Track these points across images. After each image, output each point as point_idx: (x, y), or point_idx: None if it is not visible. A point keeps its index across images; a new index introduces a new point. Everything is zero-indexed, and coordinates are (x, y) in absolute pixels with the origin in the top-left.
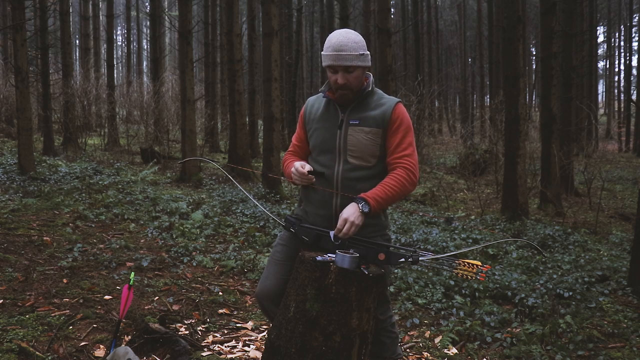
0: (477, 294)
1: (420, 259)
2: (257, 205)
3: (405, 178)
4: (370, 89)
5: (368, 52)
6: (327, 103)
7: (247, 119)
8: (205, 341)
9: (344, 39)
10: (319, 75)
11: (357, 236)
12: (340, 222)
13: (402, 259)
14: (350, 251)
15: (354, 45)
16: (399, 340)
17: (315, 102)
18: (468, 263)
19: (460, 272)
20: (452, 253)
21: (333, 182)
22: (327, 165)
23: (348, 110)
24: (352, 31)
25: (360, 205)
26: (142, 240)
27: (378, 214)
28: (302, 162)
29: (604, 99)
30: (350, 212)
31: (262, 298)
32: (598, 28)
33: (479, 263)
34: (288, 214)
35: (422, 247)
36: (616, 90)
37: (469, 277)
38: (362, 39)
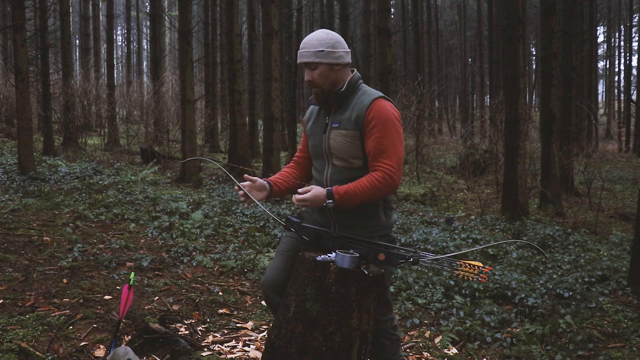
0: (477, 294)
1: (420, 260)
2: (257, 205)
3: (380, 181)
4: (343, 88)
5: (337, 50)
6: (318, 109)
7: (247, 119)
8: (205, 341)
9: (308, 38)
10: None
11: (357, 236)
12: (303, 190)
13: (403, 260)
14: (350, 251)
15: (314, 43)
16: (400, 341)
17: (312, 110)
18: (469, 264)
19: (461, 273)
20: (452, 254)
21: (323, 186)
22: (320, 169)
23: (332, 114)
24: (325, 30)
25: (327, 202)
26: (142, 240)
27: (378, 214)
28: (263, 182)
29: (604, 99)
30: (316, 197)
31: (266, 287)
32: (598, 28)
33: (480, 264)
34: (288, 213)
35: (422, 247)
36: (616, 90)
37: (471, 278)
38: (333, 37)
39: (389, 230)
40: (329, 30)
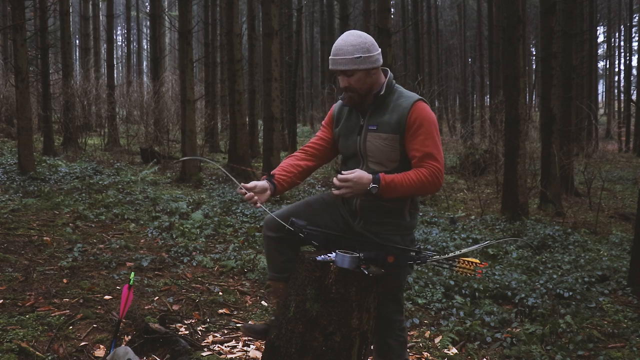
0: (477, 294)
1: (428, 260)
2: (263, 208)
3: (427, 178)
4: (383, 92)
5: (373, 54)
6: (349, 109)
7: (247, 119)
8: (205, 341)
9: (342, 43)
10: (319, 75)
11: (380, 233)
12: (348, 173)
13: (411, 261)
14: (360, 254)
15: (349, 49)
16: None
17: (342, 109)
18: (467, 261)
19: (460, 269)
20: (458, 253)
21: None
22: (353, 169)
23: (367, 116)
24: (357, 33)
25: (371, 186)
26: (142, 240)
27: (403, 213)
28: (263, 183)
29: (604, 99)
30: (359, 179)
31: (265, 223)
32: (598, 28)
33: (477, 261)
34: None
35: (421, 247)
36: (616, 90)
37: (468, 274)
38: (366, 40)
39: (412, 230)
40: (360, 33)
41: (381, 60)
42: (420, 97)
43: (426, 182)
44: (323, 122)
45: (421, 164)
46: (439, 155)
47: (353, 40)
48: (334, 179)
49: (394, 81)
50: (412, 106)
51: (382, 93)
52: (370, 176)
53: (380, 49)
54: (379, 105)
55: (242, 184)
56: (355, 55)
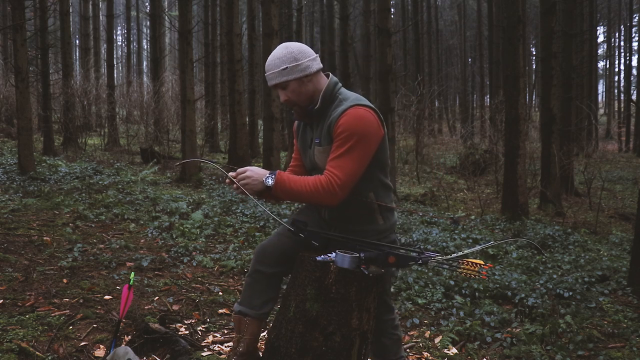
0: (477, 294)
1: (429, 261)
2: (257, 205)
3: (323, 187)
4: (318, 105)
5: (301, 61)
6: (304, 122)
7: (247, 119)
8: (205, 341)
9: (270, 58)
10: None
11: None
12: (243, 170)
13: (412, 262)
14: (360, 254)
15: (276, 62)
16: (401, 340)
17: (300, 122)
18: (471, 262)
19: (464, 271)
20: (460, 254)
21: None
22: None
23: (314, 128)
24: (285, 45)
25: (267, 177)
26: (142, 240)
27: (375, 218)
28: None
29: (604, 99)
30: (255, 176)
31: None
32: (598, 28)
33: (482, 262)
34: (288, 213)
35: (421, 247)
36: (616, 90)
37: (473, 275)
38: (293, 50)
39: (390, 232)
40: (288, 44)
41: (314, 67)
42: (359, 102)
43: (321, 190)
44: (294, 140)
45: (325, 171)
46: (347, 167)
47: (279, 53)
48: (232, 176)
49: (337, 86)
50: (343, 113)
51: (316, 107)
52: (265, 172)
53: (314, 55)
54: (322, 116)
55: (231, 172)
56: (281, 67)
